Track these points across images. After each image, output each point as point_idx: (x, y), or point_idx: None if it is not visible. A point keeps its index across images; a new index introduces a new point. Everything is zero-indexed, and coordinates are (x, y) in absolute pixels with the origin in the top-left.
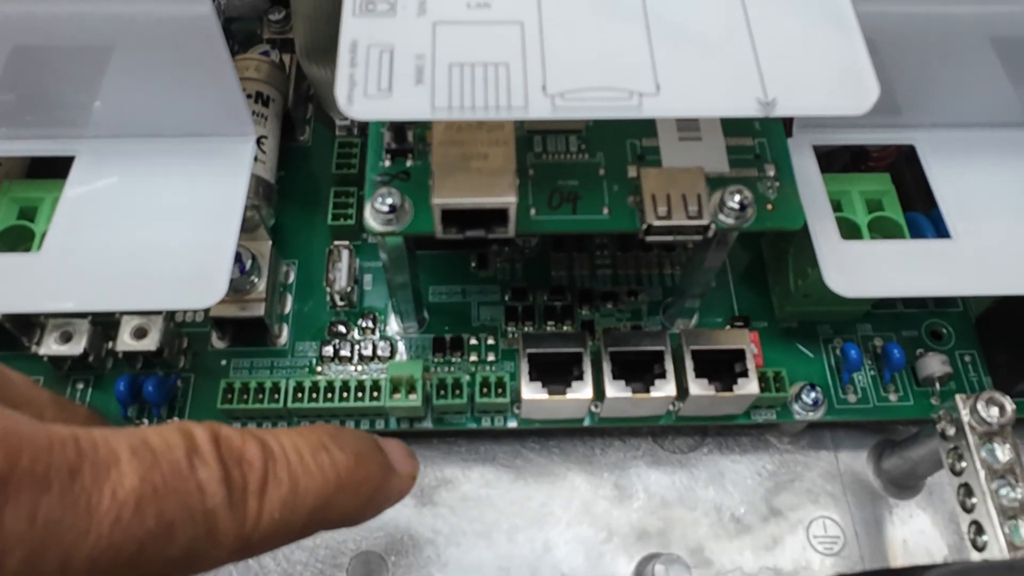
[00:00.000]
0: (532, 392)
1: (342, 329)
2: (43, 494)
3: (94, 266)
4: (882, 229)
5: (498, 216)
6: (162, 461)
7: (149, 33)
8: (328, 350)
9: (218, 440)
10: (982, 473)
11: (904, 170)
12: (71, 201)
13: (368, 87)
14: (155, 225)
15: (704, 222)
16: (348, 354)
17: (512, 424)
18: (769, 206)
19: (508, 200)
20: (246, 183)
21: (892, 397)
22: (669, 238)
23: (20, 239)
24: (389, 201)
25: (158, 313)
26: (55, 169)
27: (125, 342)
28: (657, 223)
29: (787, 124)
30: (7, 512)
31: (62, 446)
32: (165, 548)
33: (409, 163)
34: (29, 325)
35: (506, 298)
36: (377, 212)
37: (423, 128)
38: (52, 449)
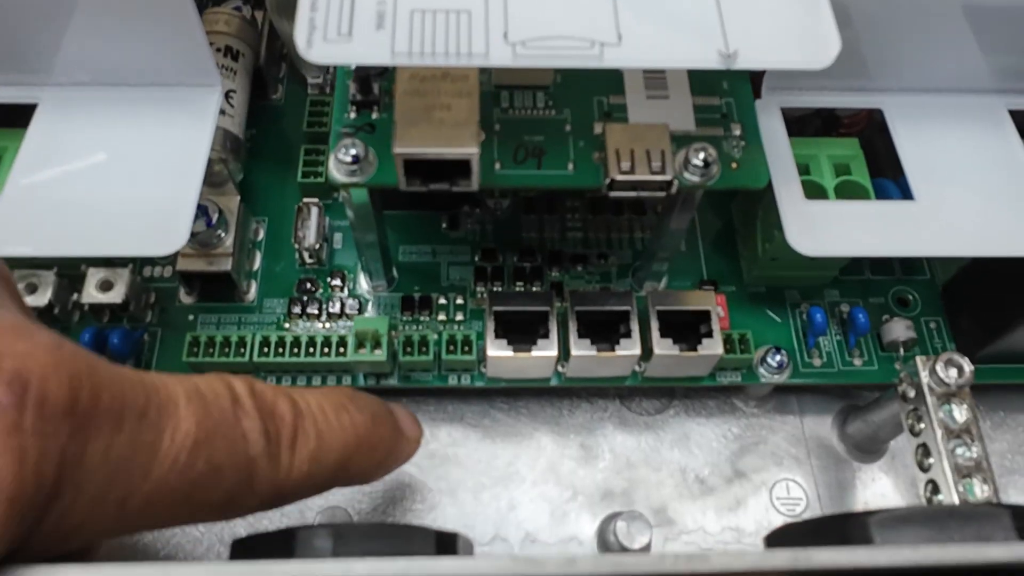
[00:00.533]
0: (497, 349)
1: (310, 287)
2: (117, 433)
3: (54, 212)
4: (849, 193)
5: (461, 168)
6: (212, 408)
7: None
8: (296, 307)
9: (254, 393)
10: (939, 433)
11: (876, 139)
12: (32, 147)
13: (328, 31)
14: (118, 173)
15: (667, 178)
16: (316, 311)
17: (479, 383)
18: (734, 164)
19: (470, 151)
20: (211, 132)
21: (857, 362)
22: (632, 194)
23: None
24: (353, 152)
25: (124, 265)
26: (17, 119)
27: (91, 294)
28: (620, 178)
29: (755, 86)
30: (88, 448)
31: (132, 388)
32: (211, 492)
33: (375, 115)
34: None
35: (476, 259)
36: (340, 163)
37: (389, 81)
38: (125, 390)
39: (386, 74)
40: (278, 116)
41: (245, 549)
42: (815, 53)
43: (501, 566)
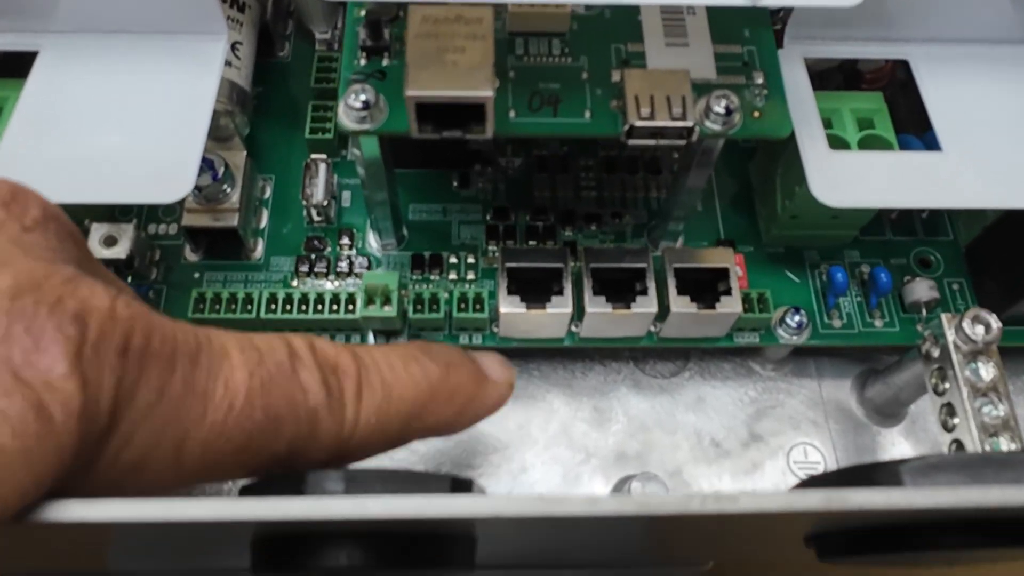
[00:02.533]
0: (510, 306)
1: (318, 245)
2: (170, 375)
3: (57, 160)
4: (873, 147)
5: (475, 113)
6: (268, 361)
7: None
8: (304, 266)
9: (314, 349)
10: (965, 391)
11: (898, 95)
12: (34, 95)
13: None
14: (122, 121)
15: (688, 124)
16: (324, 270)
17: (490, 344)
18: (756, 113)
19: (485, 94)
20: (216, 82)
21: (878, 323)
22: (652, 142)
23: None
24: (363, 97)
25: (128, 221)
26: (18, 68)
27: (95, 249)
28: (640, 124)
29: (778, 35)
30: (141, 384)
31: (184, 335)
32: (271, 442)
33: (385, 62)
34: None
35: (487, 217)
36: (350, 109)
37: (400, 28)
38: (177, 336)
39: (397, 20)
40: (285, 74)
41: (254, 494)
42: None
43: (527, 505)
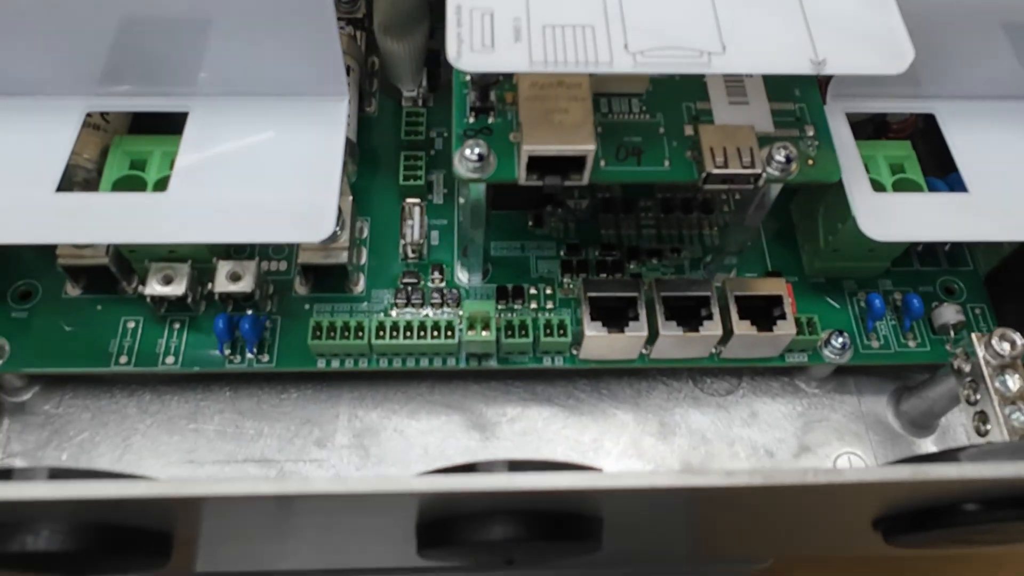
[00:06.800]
0: (594, 331)
1: (413, 278)
2: None
3: (214, 204)
4: (905, 189)
5: (576, 163)
6: None
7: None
8: (401, 297)
9: None
10: (996, 400)
11: (919, 142)
12: (189, 149)
13: (473, 43)
14: (266, 172)
15: (757, 171)
16: (419, 300)
17: (569, 365)
18: (810, 161)
19: (588, 148)
20: (343, 135)
21: (911, 344)
22: (724, 187)
23: (132, 188)
24: (477, 151)
25: (251, 259)
26: (158, 125)
27: (222, 284)
28: (715, 171)
29: (822, 92)
30: None
31: None
32: None
33: (491, 120)
34: (129, 269)
35: (561, 253)
36: (466, 160)
37: (502, 89)
38: None
39: (499, 83)
40: (371, 127)
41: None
42: (892, 60)
43: (669, 478)
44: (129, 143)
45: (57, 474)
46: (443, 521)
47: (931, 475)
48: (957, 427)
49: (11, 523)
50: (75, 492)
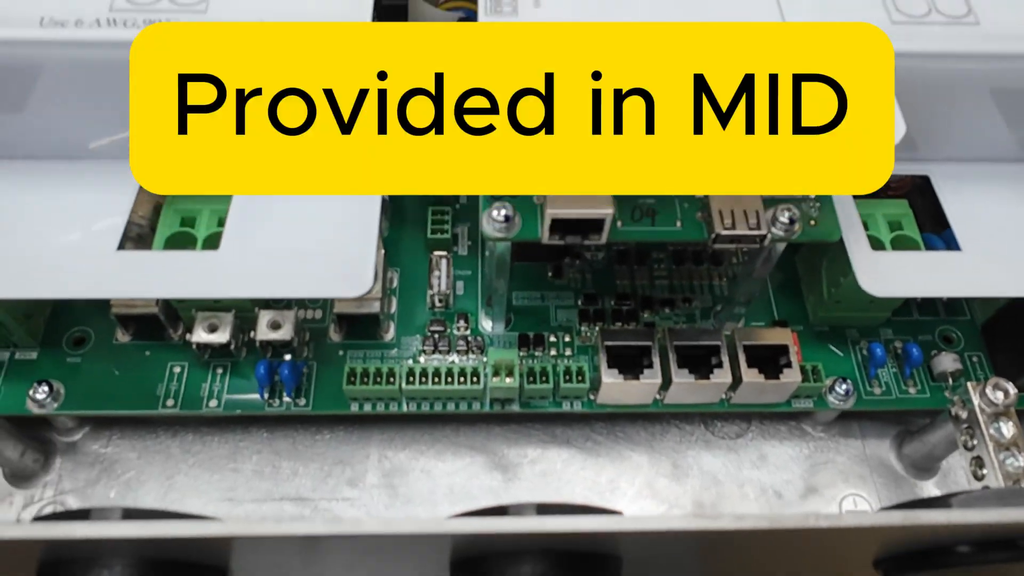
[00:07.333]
0: (611, 377)
1: (440, 327)
2: None
3: (263, 261)
4: (902, 245)
5: (596, 225)
6: None
7: None
8: (429, 344)
9: None
10: (991, 446)
11: (917, 199)
12: (237, 212)
13: None
14: (309, 230)
15: (762, 232)
16: (446, 347)
17: (587, 409)
18: (812, 222)
19: (607, 212)
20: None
21: (911, 390)
22: (731, 246)
23: (183, 244)
24: (504, 212)
25: (289, 309)
26: None
27: (264, 332)
28: (724, 232)
29: None
30: None
31: None
32: None
33: None
34: (176, 317)
35: (579, 302)
36: (493, 221)
37: None
38: None
39: None
40: None
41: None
42: None
43: (684, 521)
44: (180, 202)
45: (131, 514)
46: (475, 559)
47: (922, 520)
48: (958, 469)
49: (83, 559)
50: (153, 532)
